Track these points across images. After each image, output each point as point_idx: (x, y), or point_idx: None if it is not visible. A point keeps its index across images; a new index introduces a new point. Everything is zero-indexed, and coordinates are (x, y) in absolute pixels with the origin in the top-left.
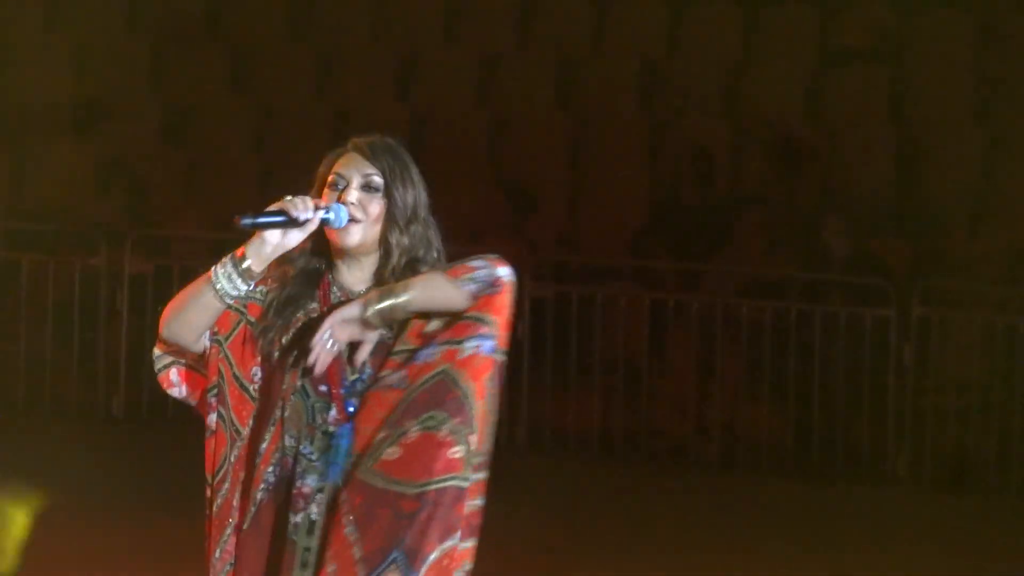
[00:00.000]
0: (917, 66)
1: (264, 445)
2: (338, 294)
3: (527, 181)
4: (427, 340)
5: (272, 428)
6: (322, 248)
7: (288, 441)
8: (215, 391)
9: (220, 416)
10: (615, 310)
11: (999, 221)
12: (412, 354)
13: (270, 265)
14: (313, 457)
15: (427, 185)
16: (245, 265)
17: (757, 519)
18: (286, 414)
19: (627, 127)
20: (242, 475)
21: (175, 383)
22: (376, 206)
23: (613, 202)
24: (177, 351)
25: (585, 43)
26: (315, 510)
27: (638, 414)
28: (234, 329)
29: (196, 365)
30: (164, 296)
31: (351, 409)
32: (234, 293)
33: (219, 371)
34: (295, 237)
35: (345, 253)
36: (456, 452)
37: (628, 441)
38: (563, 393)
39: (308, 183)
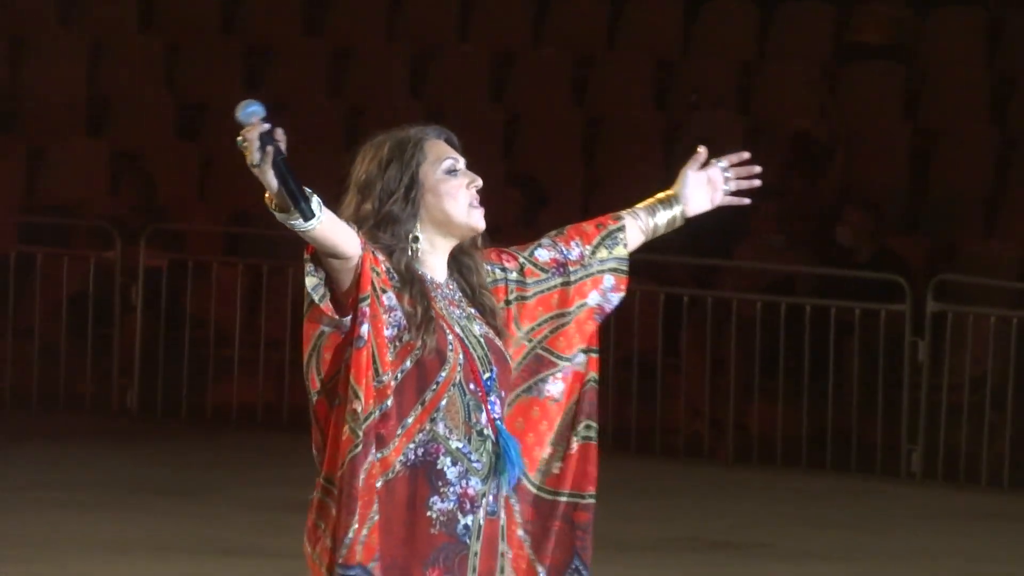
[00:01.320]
0: (932, 63)
1: (410, 420)
2: (434, 288)
3: (541, 177)
4: (555, 336)
5: (420, 408)
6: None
7: (441, 429)
8: (367, 301)
9: (370, 330)
10: (629, 306)
11: (1013, 217)
12: (545, 352)
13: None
14: (473, 458)
15: None
16: (293, 215)
17: (771, 515)
18: (443, 403)
19: (641, 123)
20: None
21: (332, 309)
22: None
23: (627, 198)
24: (330, 265)
25: (600, 39)
26: (482, 514)
27: (652, 410)
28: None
29: (345, 284)
30: (178, 290)
31: (494, 409)
32: (315, 225)
33: (371, 286)
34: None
35: (453, 238)
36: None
37: (642, 436)
38: None
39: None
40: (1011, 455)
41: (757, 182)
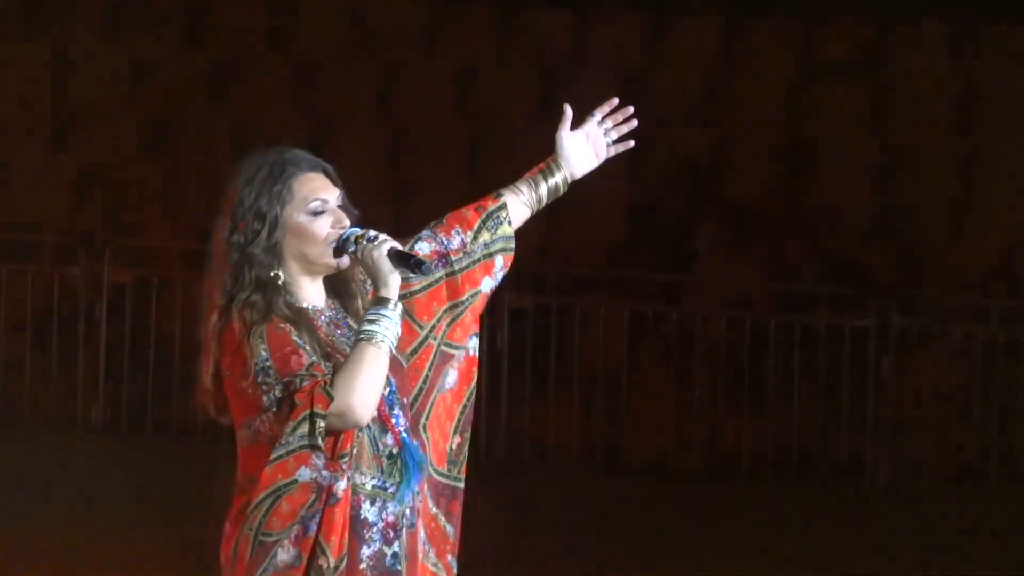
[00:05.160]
0: (897, 77)
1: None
2: (316, 315)
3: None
4: (451, 328)
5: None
6: (268, 272)
7: (359, 479)
8: (346, 458)
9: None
10: (594, 321)
11: (979, 232)
12: (447, 347)
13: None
14: (387, 485)
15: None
16: (399, 308)
17: (737, 530)
18: (355, 452)
19: None
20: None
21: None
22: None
23: (592, 213)
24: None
25: (565, 54)
26: (404, 533)
27: (617, 425)
28: None
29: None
30: (142, 306)
31: (398, 423)
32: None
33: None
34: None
35: (317, 274)
36: None
37: (608, 452)
38: (542, 404)
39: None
40: (976, 471)
41: (635, 122)
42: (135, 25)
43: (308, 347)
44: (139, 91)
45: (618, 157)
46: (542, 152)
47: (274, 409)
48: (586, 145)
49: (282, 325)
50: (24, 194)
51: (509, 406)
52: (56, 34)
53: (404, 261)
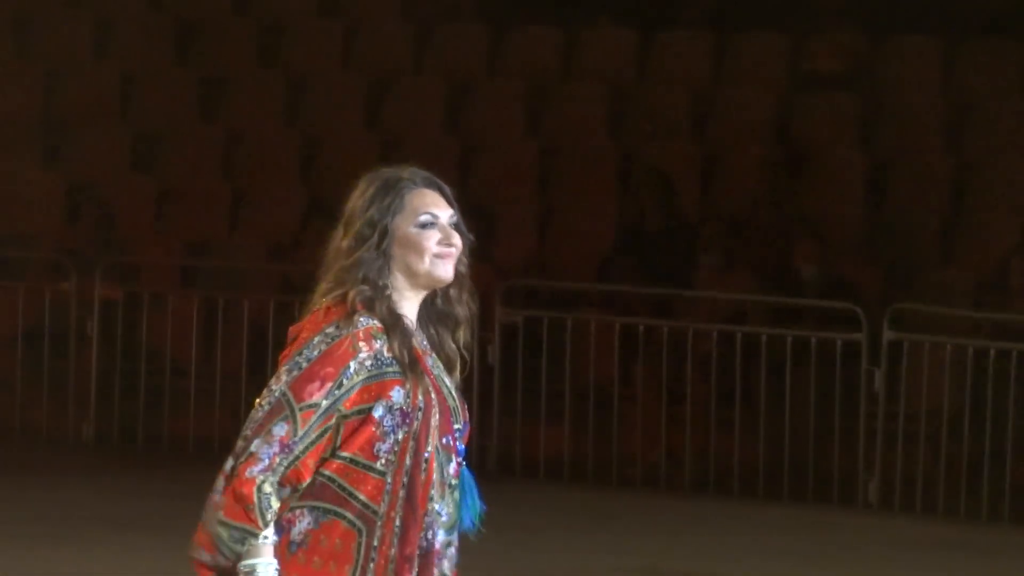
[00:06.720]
0: (886, 91)
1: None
2: (411, 330)
3: (496, 207)
4: None
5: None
6: (379, 279)
7: (435, 504)
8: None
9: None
10: (585, 336)
11: (969, 245)
12: None
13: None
14: (442, 512)
15: None
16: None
17: (728, 544)
18: (434, 476)
19: (596, 153)
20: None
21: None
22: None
23: (582, 228)
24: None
25: (554, 69)
26: (446, 565)
27: (609, 439)
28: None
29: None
30: (134, 322)
31: (462, 456)
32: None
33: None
34: None
35: (420, 288)
36: None
37: (599, 466)
38: (533, 419)
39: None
40: (967, 484)
41: None
42: (126, 41)
43: (392, 358)
44: (130, 107)
45: (608, 171)
46: (532, 167)
47: (264, 404)
48: None
49: (360, 343)
50: (16, 211)
51: (500, 420)
52: (47, 50)
53: None
